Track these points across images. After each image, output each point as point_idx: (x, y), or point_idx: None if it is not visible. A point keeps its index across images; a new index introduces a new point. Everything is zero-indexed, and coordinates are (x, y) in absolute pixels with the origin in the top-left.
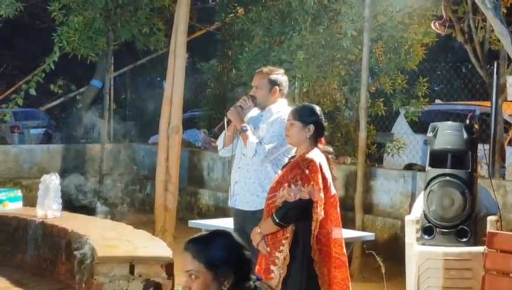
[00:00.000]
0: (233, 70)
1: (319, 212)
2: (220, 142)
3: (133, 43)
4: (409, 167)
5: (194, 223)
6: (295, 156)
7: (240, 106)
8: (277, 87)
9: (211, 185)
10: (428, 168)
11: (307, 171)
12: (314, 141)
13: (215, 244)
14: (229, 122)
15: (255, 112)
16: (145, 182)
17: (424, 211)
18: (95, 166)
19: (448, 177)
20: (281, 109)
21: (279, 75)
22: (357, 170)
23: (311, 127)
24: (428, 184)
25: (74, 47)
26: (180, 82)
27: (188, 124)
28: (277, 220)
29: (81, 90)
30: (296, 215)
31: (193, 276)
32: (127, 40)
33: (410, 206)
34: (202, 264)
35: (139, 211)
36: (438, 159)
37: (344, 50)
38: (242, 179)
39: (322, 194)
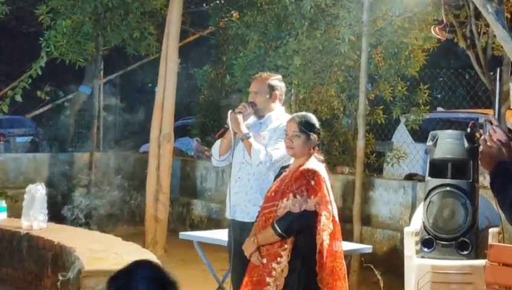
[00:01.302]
0: (228, 76)
1: (327, 225)
2: (215, 150)
3: (123, 48)
4: (410, 177)
5: (185, 235)
6: (287, 166)
7: (240, 112)
8: (276, 92)
9: (203, 195)
10: (428, 178)
11: (312, 183)
12: (312, 150)
13: (137, 278)
14: (228, 129)
15: (252, 120)
16: (136, 192)
17: (423, 222)
18: (83, 176)
19: (448, 188)
20: (280, 116)
21: (277, 81)
22: (355, 180)
23: (315, 137)
24: (428, 195)
25: (62, 52)
26: (172, 88)
27: (180, 132)
28: (279, 231)
29: (69, 96)
30: (299, 227)
31: None
32: (117, 45)
33: (410, 217)
34: None
35: (129, 222)
36: (438, 168)
37: (342, 56)
38: (242, 189)
39: (330, 207)
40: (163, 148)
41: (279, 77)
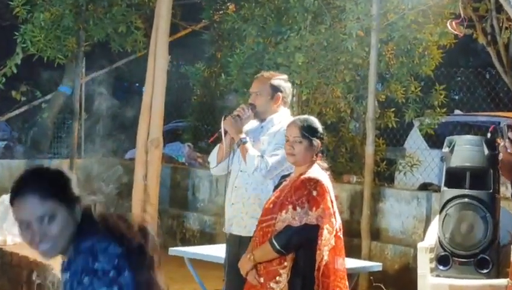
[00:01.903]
0: (223, 75)
1: (329, 240)
2: (212, 157)
3: (108, 44)
4: (424, 187)
5: (175, 250)
6: (288, 175)
7: (238, 116)
8: (280, 94)
9: (196, 207)
10: (443, 188)
11: (314, 193)
12: (315, 157)
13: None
14: (225, 133)
15: (253, 124)
16: (121, 203)
17: (439, 237)
18: None
19: (466, 199)
20: (283, 119)
21: (282, 81)
22: (364, 190)
23: (318, 143)
24: (443, 207)
25: (39, 48)
26: (161, 88)
27: (170, 136)
28: (278, 247)
29: (48, 97)
30: (299, 242)
31: (46, 220)
32: (101, 40)
33: (424, 232)
34: (56, 201)
35: None
36: (454, 178)
37: (349, 53)
38: (239, 199)
39: (333, 220)
40: (151, 155)
41: (284, 77)
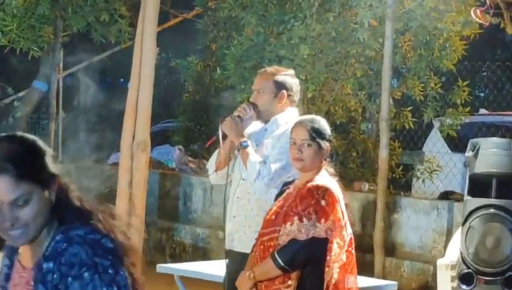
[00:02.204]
0: (218, 69)
1: (339, 256)
2: (211, 164)
3: (88, 34)
4: (445, 195)
5: (164, 267)
6: (292, 181)
7: (239, 116)
8: (285, 91)
9: (187, 218)
10: (467, 197)
11: (323, 203)
12: (323, 162)
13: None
14: (224, 137)
15: (256, 125)
16: None
17: (461, 253)
18: None
19: (492, 210)
20: (290, 119)
21: (288, 77)
22: (377, 200)
23: (328, 146)
24: (467, 218)
25: (12, 38)
26: (149, 84)
27: (159, 138)
28: (281, 263)
29: (21, 94)
30: (306, 257)
31: (20, 203)
32: (80, 30)
33: (445, 247)
34: (32, 181)
35: None
36: (479, 185)
37: (360, 44)
38: (241, 211)
39: (345, 233)
40: (137, 159)
41: (291, 72)
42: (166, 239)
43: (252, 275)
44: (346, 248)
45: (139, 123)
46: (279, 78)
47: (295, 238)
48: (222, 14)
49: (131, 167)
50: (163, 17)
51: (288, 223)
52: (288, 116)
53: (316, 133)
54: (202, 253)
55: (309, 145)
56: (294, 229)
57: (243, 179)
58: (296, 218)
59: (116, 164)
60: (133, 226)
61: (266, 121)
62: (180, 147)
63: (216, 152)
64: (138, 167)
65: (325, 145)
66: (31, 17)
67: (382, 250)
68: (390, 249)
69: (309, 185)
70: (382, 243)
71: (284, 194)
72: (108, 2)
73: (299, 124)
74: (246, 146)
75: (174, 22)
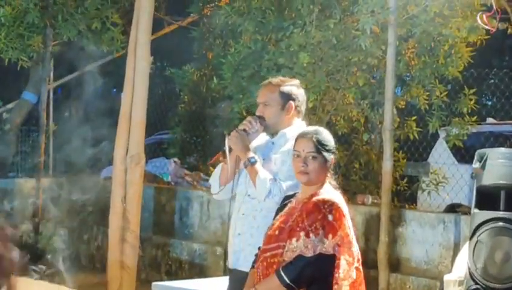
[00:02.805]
0: (215, 78)
1: (348, 273)
2: (214, 180)
3: (79, 43)
4: (452, 208)
5: (160, 285)
6: (293, 195)
7: (244, 130)
8: (292, 102)
9: (184, 233)
10: (474, 210)
11: (330, 218)
12: (327, 175)
13: None
14: (230, 151)
15: (262, 139)
16: (96, 230)
17: (469, 268)
18: (27, 208)
19: (501, 223)
20: (298, 131)
21: (294, 87)
22: (381, 213)
23: (332, 159)
24: (474, 232)
25: (0, 48)
26: (143, 94)
27: (154, 151)
28: (287, 281)
29: (9, 106)
30: (313, 274)
31: None
32: (71, 39)
33: (452, 262)
34: None
35: (88, 269)
36: (487, 198)
37: (362, 52)
38: (247, 229)
39: (354, 249)
40: (131, 173)
41: (296, 82)
42: (161, 256)
43: None
44: (355, 264)
45: (133, 135)
46: (285, 89)
47: (302, 255)
48: (218, 21)
49: (125, 181)
50: (157, 25)
51: (294, 239)
52: (297, 129)
53: (321, 145)
54: (199, 270)
55: (314, 158)
56: (300, 245)
57: (248, 196)
58: (302, 233)
59: (109, 178)
60: (128, 242)
61: (273, 134)
62: (176, 159)
63: (219, 167)
64: (132, 180)
65: (330, 157)
66: (20, 26)
67: (387, 266)
68: (395, 265)
69: (315, 199)
70: (386, 258)
71: (286, 209)
72: (100, 9)
73: (303, 135)
74: (254, 162)
75: (169, 30)
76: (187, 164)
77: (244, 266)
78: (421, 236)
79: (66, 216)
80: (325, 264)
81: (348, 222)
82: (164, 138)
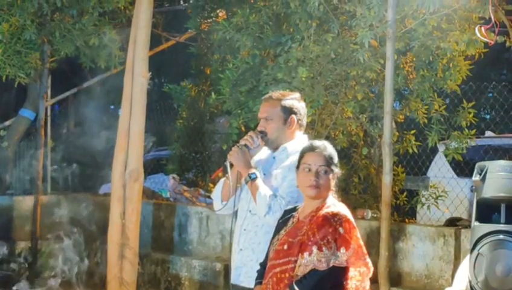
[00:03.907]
0: (213, 94)
1: (362, 284)
2: (216, 195)
3: (77, 59)
4: (452, 222)
5: None
6: (294, 209)
7: (246, 145)
8: (294, 116)
9: (183, 250)
10: (475, 223)
11: (341, 230)
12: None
13: None
14: (231, 167)
15: (264, 153)
16: (94, 247)
17: (470, 282)
18: (25, 226)
19: (502, 236)
20: (300, 147)
21: (295, 101)
22: (381, 228)
23: (339, 172)
24: (475, 245)
25: None
26: (141, 110)
27: (152, 167)
28: None
29: (7, 123)
30: (328, 287)
31: None
32: (69, 55)
33: (453, 275)
34: None
35: (86, 285)
36: (487, 211)
37: (361, 65)
38: (249, 245)
39: (368, 259)
40: (129, 189)
41: (297, 96)
42: (161, 272)
43: None
44: (369, 275)
45: (131, 151)
46: (287, 103)
47: (315, 269)
48: (216, 36)
49: (123, 197)
50: (155, 41)
51: (306, 253)
52: (298, 143)
53: (331, 159)
54: (199, 286)
55: (325, 172)
56: (313, 259)
57: (250, 211)
58: (314, 248)
59: (107, 195)
60: (127, 259)
61: (274, 148)
62: (175, 175)
63: (220, 182)
64: (131, 196)
65: (337, 171)
66: (17, 43)
67: (387, 280)
68: (396, 279)
69: (324, 213)
70: (387, 272)
71: (290, 223)
72: (98, 25)
73: (313, 149)
74: (255, 178)
75: (167, 46)
76: (186, 179)
77: (246, 281)
78: (421, 250)
79: (65, 233)
80: (339, 277)
81: (358, 233)
82: (162, 154)
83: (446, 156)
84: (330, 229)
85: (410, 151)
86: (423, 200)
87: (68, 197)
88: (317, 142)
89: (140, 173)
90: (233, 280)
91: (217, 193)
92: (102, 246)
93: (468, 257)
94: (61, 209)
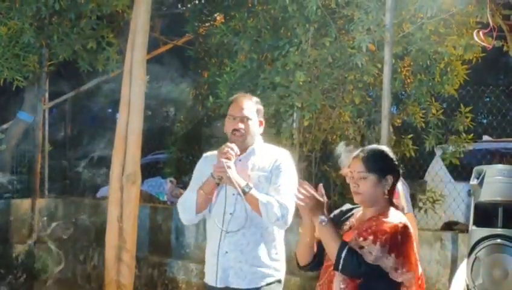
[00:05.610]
0: (210, 97)
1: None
2: (190, 205)
3: (75, 63)
4: (449, 226)
5: None
6: (351, 209)
7: (227, 158)
8: (262, 119)
9: (180, 253)
10: (472, 227)
11: (399, 237)
12: (390, 196)
13: None
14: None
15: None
16: (91, 250)
17: (467, 286)
18: (23, 229)
19: (499, 240)
20: (263, 148)
21: (259, 103)
22: None
23: (390, 178)
24: (472, 249)
25: None
26: (138, 114)
27: (150, 170)
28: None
29: (5, 126)
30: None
31: None
32: (67, 59)
33: (450, 280)
34: None
35: (84, 289)
36: (485, 215)
37: (358, 70)
38: (235, 247)
39: (420, 268)
40: (127, 192)
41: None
42: (158, 275)
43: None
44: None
45: (129, 155)
46: (258, 105)
47: (363, 256)
48: (214, 40)
49: (121, 200)
50: (152, 44)
51: (361, 238)
52: (260, 144)
53: (373, 164)
54: (196, 289)
55: (364, 178)
56: (366, 244)
57: (231, 214)
58: (371, 237)
59: (105, 198)
60: (124, 262)
61: (241, 151)
62: (172, 179)
63: (191, 195)
64: (128, 200)
65: (388, 176)
66: (15, 46)
67: None
68: None
69: (387, 226)
70: None
71: (347, 227)
72: (96, 29)
73: (354, 155)
74: (250, 189)
75: (164, 49)
76: (183, 183)
77: (236, 283)
78: (419, 254)
79: (62, 235)
80: (378, 279)
81: (415, 248)
82: (160, 158)
83: (443, 160)
84: (389, 235)
85: (408, 155)
86: (420, 204)
87: (65, 201)
88: (363, 148)
89: (138, 177)
90: (221, 283)
91: (190, 204)
92: (100, 249)
93: (465, 261)
94: (58, 213)
